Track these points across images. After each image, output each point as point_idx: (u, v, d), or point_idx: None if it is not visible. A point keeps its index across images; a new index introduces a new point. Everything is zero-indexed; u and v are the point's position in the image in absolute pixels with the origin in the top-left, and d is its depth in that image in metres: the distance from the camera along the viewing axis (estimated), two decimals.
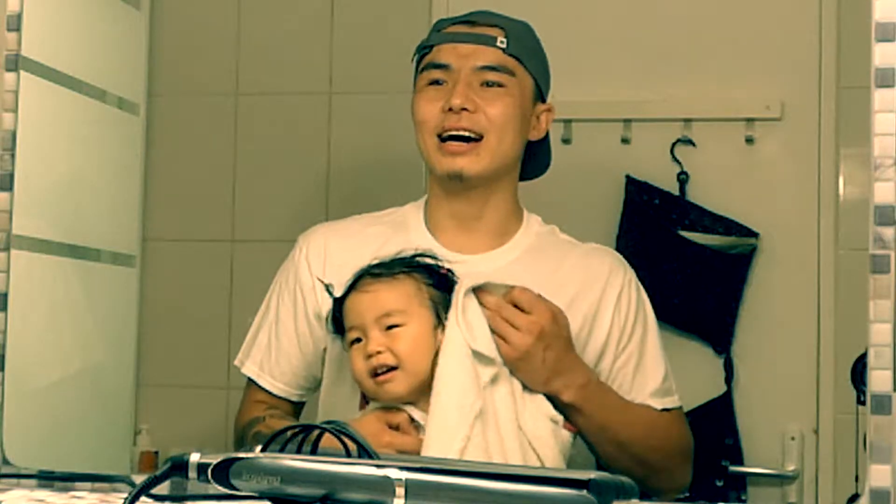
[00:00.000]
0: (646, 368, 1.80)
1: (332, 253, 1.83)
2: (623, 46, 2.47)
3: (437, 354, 1.63)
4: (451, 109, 1.76)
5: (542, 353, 1.66)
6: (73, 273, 2.05)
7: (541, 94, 1.86)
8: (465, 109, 1.76)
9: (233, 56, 2.62)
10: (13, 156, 1.68)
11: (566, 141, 2.47)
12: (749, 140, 2.42)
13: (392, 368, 1.61)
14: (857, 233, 1.47)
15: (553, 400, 1.68)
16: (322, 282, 1.75)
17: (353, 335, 1.66)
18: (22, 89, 1.70)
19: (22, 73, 1.70)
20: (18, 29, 1.68)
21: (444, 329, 1.64)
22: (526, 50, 1.83)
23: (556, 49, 2.49)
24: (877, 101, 1.37)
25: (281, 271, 1.87)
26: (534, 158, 1.88)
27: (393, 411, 1.64)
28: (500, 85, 1.79)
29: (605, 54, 2.48)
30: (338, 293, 1.71)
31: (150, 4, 2.53)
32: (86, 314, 2.11)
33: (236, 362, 1.88)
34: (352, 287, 1.68)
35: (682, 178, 2.43)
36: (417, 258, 1.70)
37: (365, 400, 1.74)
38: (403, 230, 1.84)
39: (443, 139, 1.77)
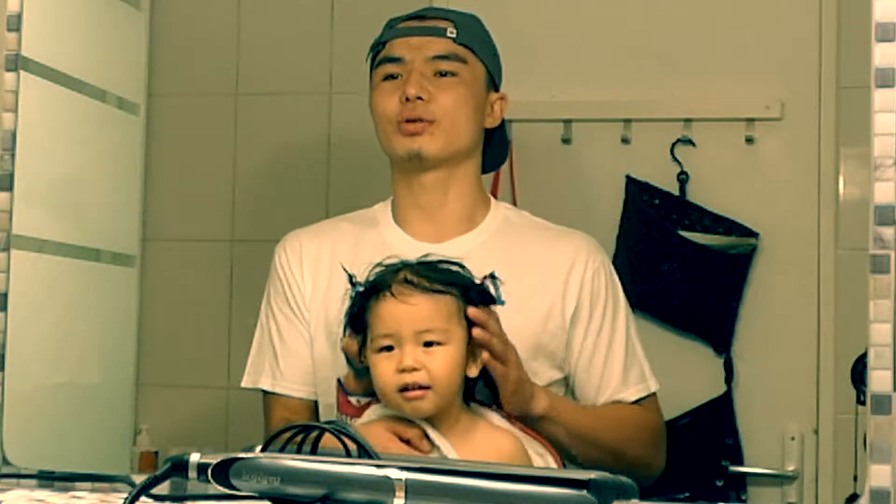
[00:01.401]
0: (615, 355, 1.81)
1: (307, 251, 1.86)
2: (623, 46, 2.47)
3: (466, 377, 1.61)
4: (407, 99, 1.79)
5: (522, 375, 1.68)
6: (73, 273, 2.06)
7: (493, 83, 1.88)
8: (419, 98, 1.79)
9: (233, 56, 2.62)
10: (13, 156, 1.68)
11: (566, 141, 2.47)
12: (749, 140, 2.41)
13: (424, 387, 1.57)
14: (857, 233, 1.47)
15: (527, 420, 1.69)
16: (346, 271, 1.73)
17: (383, 342, 1.59)
18: (22, 89, 1.70)
19: (22, 73, 1.70)
20: (18, 29, 1.68)
21: (476, 354, 1.61)
22: (476, 39, 1.86)
23: (557, 49, 2.50)
24: (877, 101, 1.37)
25: (269, 283, 1.88)
26: (489, 148, 1.89)
27: (404, 424, 1.60)
28: (452, 74, 1.82)
29: (605, 54, 2.47)
30: (333, 290, 1.69)
31: (150, 4, 2.53)
32: (86, 314, 2.11)
33: (247, 384, 1.87)
34: (384, 288, 1.61)
35: (682, 178, 2.42)
36: (450, 267, 1.65)
37: (344, 393, 1.73)
38: (373, 226, 1.86)
39: (403, 121, 1.80)
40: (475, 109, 1.83)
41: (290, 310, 1.84)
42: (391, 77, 1.82)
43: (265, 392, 1.86)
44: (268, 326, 1.87)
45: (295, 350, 1.84)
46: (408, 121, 1.79)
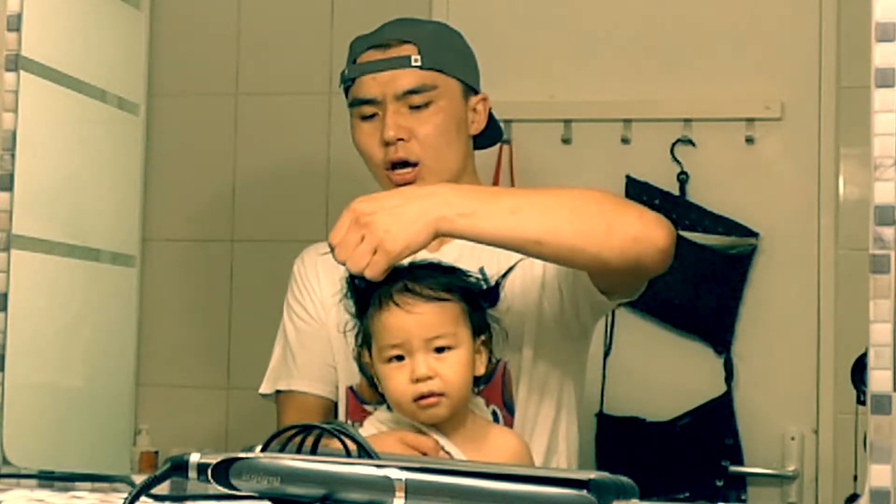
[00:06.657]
0: None
1: (323, 260, 1.84)
2: (623, 46, 2.47)
3: (475, 377, 1.60)
4: (387, 144, 1.76)
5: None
6: (73, 273, 2.05)
7: (472, 89, 1.83)
8: (400, 139, 1.76)
9: (233, 56, 2.62)
10: (13, 156, 1.68)
11: (566, 141, 2.47)
12: (749, 140, 2.42)
13: (439, 394, 1.55)
14: (857, 233, 1.47)
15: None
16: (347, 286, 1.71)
17: (392, 352, 1.57)
18: (22, 89, 1.70)
19: (22, 73, 1.70)
20: (18, 29, 1.68)
21: (481, 351, 1.60)
22: (443, 55, 1.80)
23: (556, 49, 2.50)
24: (877, 101, 1.37)
25: (287, 294, 1.87)
26: (482, 136, 1.86)
27: (417, 435, 1.57)
28: (427, 104, 1.77)
29: (605, 54, 2.48)
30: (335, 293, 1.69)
31: (150, 4, 2.52)
32: (86, 314, 2.11)
33: (264, 390, 1.85)
34: (386, 297, 1.57)
35: (682, 178, 2.43)
36: (459, 275, 1.62)
37: (358, 401, 1.73)
38: None
39: (389, 168, 1.77)
40: (458, 129, 1.80)
41: (308, 314, 1.84)
42: (368, 117, 1.79)
43: (279, 393, 1.84)
44: (289, 333, 1.85)
45: (312, 351, 1.82)
46: (394, 166, 1.76)
